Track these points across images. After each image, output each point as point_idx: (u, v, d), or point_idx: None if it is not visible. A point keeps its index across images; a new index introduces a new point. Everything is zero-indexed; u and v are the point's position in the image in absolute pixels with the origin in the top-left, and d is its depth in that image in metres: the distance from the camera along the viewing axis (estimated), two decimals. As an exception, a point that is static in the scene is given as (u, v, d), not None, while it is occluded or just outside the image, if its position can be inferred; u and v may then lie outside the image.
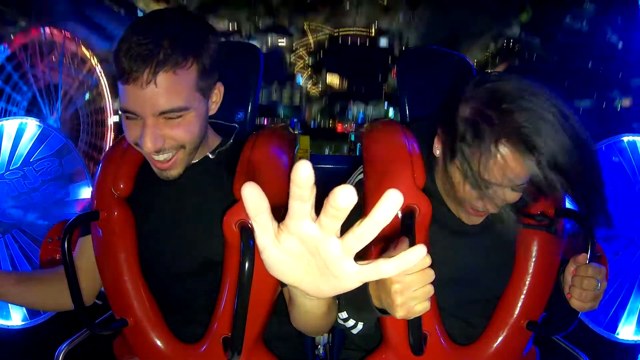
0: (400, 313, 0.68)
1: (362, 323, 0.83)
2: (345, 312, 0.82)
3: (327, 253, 0.41)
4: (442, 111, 0.85)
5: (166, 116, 0.81)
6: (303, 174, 0.35)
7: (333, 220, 0.38)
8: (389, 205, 0.36)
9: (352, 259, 0.41)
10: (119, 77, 0.80)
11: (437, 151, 0.89)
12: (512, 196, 0.82)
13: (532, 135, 0.73)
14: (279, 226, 0.42)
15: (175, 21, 0.82)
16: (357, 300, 0.78)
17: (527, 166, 0.74)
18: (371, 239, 0.39)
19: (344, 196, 0.35)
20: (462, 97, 0.81)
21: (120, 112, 0.85)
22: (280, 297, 0.92)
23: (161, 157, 0.86)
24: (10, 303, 0.92)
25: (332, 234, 0.40)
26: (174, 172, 0.90)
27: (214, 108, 0.92)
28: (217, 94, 0.91)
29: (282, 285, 0.88)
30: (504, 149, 0.75)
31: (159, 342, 0.94)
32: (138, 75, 0.77)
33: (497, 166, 0.76)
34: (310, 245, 0.41)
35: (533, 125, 0.73)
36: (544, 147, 0.73)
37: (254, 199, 0.39)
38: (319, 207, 0.39)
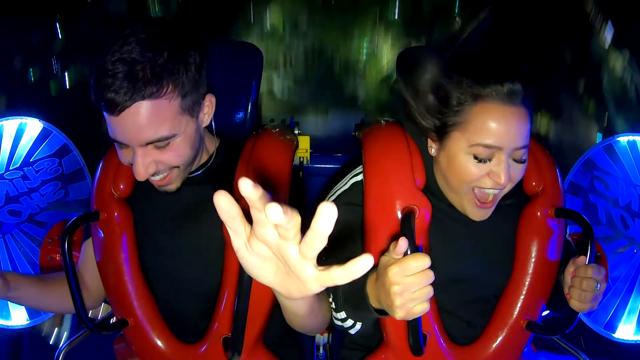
0: (399, 314, 0.68)
1: (360, 323, 0.83)
2: (343, 312, 0.82)
3: (288, 257, 0.44)
4: (412, 114, 0.87)
5: (154, 145, 0.80)
6: (244, 190, 0.39)
7: (285, 230, 0.41)
8: (325, 219, 0.39)
9: (312, 264, 0.44)
10: (98, 106, 0.79)
11: (432, 149, 0.89)
12: (517, 168, 0.83)
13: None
14: (250, 230, 0.44)
15: (147, 43, 0.75)
16: (356, 300, 0.79)
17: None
18: (321, 247, 0.42)
19: (273, 212, 0.38)
20: (418, 88, 0.85)
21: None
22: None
23: (157, 177, 0.86)
24: (26, 306, 0.90)
25: (290, 240, 0.42)
26: (172, 187, 0.90)
27: (206, 120, 0.89)
28: (209, 106, 0.88)
29: None
30: (487, 100, 0.79)
31: (159, 342, 0.94)
32: (115, 108, 0.75)
33: (489, 118, 0.79)
34: (275, 249, 0.44)
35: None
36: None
37: (224, 206, 0.42)
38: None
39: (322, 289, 0.47)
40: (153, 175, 0.84)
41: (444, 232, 0.92)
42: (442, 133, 0.85)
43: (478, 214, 0.88)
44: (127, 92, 0.74)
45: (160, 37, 0.77)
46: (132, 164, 0.83)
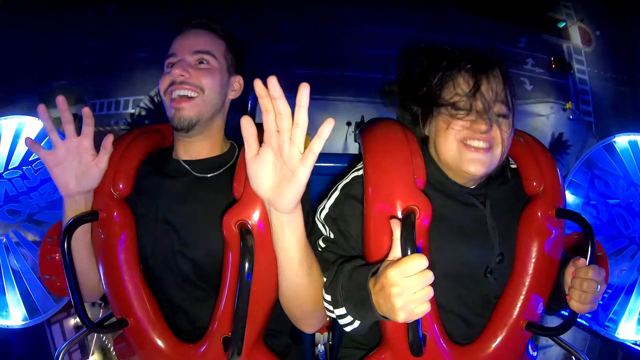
0: (401, 316, 0.68)
1: (359, 321, 0.83)
2: (344, 307, 0.82)
3: (283, 149, 0.69)
4: (406, 103, 1.01)
5: (199, 57, 1.01)
6: (271, 83, 0.64)
7: (281, 119, 0.67)
8: (304, 93, 0.64)
9: (299, 149, 0.69)
10: (178, 32, 1.05)
11: (426, 130, 0.97)
12: (498, 106, 0.91)
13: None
14: (260, 146, 0.70)
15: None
16: (356, 296, 0.78)
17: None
18: (305, 122, 0.66)
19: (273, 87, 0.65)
20: (407, 79, 1.01)
21: (164, 64, 1.03)
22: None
23: (182, 92, 0.97)
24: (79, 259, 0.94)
25: (285, 133, 0.68)
26: (187, 113, 0.97)
27: (233, 94, 1.08)
28: (238, 84, 1.09)
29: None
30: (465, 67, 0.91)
31: (159, 342, 0.93)
32: (189, 27, 1.04)
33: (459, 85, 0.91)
34: (275, 148, 0.70)
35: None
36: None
37: (248, 126, 0.69)
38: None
39: (309, 169, 0.69)
40: (182, 86, 0.97)
41: (445, 223, 0.92)
42: (429, 109, 0.95)
43: (476, 161, 0.89)
44: (196, 21, 1.06)
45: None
46: (170, 72, 0.98)
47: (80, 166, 0.92)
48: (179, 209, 0.97)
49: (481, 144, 0.88)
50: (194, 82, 0.98)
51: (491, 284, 0.95)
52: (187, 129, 0.98)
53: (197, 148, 1.03)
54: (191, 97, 0.98)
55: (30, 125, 1.58)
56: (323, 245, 0.95)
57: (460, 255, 0.92)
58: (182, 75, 0.97)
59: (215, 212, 0.89)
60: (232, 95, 1.08)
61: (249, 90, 1.17)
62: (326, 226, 0.96)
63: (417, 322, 0.72)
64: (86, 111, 0.91)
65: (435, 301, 0.90)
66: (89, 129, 0.92)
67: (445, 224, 0.92)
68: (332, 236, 0.95)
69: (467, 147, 0.89)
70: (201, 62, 1.01)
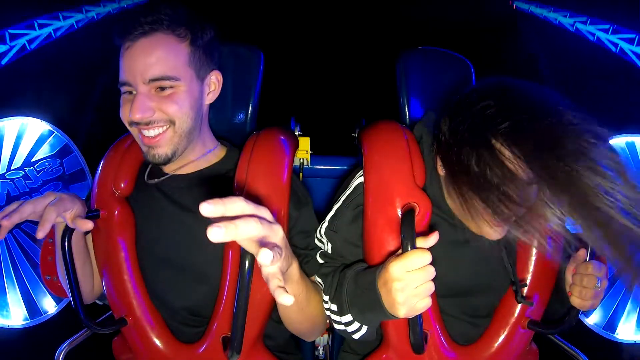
0: (402, 311, 0.68)
1: (365, 327, 0.82)
2: (349, 314, 0.82)
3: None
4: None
5: (157, 85, 0.84)
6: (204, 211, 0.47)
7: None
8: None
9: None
10: (120, 41, 0.85)
11: (442, 171, 0.81)
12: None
13: None
14: None
15: (175, 3, 0.87)
16: (362, 300, 0.78)
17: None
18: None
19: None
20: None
21: (120, 90, 0.88)
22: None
23: (150, 132, 0.86)
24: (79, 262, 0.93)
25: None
26: (161, 151, 0.88)
27: (210, 97, 0.93)
28: (215, 83, 0.93)
29: None
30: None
31: (158, 342, 0.93)
32: (134, 33, 0.83)
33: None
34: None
35: None
36: None
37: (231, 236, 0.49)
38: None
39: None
40: (148, 127, 0.85)
41: (447, 245, 0.86)
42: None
43: (494, 234, 0.79)
44: (147, 18, 0.83)
45: (185, 6, 0.88)
46: (129, 114, 0.84)
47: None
48: (179, 210, 0.98)
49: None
50: (161, 117, 0.85)
51: (492, 293, 0.93)
52: (164, 163, 0.91)
53: (183, 164, 0.98)
54: (162, 133, 0.87)
55: (33, 127, 1.59)
56: (321, 261, 0.95)
57: (463, 270, 0.90)
58: (145, 117, 0.84)
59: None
60: (210, 97, 0.94)
61: (250, 91, 1.17)
62: (323, 240, 0.94)
63: (418, 318, 0.72)
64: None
65: (438, 307, 0.90)
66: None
67: (462, 249, 0.87)
68: (329, 251, 0.94)
69: (490, 219, 0.72)
70: (162, 89, 0.85)
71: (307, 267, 0.94)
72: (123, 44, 0.85)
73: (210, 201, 0.46)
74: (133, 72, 0.83)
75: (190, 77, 0.87)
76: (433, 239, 0.68)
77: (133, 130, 0.89)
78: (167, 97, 0.85)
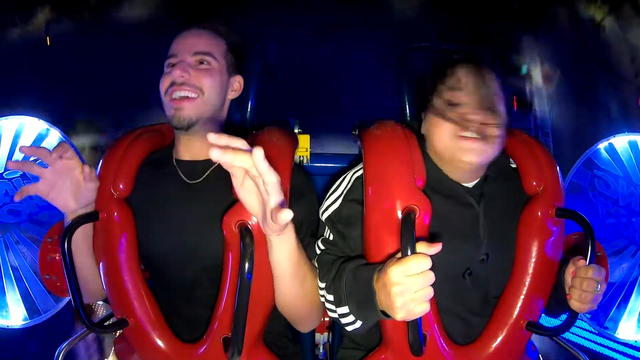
0: (400, 315, 0.68)
1: (360, 322, 0.83)
2: (347, 306, 0.82)
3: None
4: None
5: (199, 58, 1.01)
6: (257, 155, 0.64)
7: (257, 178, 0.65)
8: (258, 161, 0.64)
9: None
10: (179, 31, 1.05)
11: (422, 127, 0.98)
12: (489, 100, 0.92)
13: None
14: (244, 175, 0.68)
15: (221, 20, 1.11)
16: (360, 295, 0.78)
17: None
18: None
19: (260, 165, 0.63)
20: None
21: (164, 66, 1.03)
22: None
23: (182, 93, 0.98)
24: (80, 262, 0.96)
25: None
26: (186, 113, 0.98)
27: (233, 94, 1.09)
28: (238, 84, 1.10)
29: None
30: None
31: (159, 342, 0.94)
32: (188, 30, 1.05)
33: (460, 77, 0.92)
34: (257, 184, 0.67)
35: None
36: None
37: (226, 158, 0.63)
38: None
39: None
40: (181, 88, 0.98)
41: (443, 223, 0.92)
42: (424, 105, 0.98)
43: (471, 150, 0.89)
44: (198, 24, 1.07)
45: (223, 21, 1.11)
46: (170, 73, 0.99)
47: (73, 184, 0.92)
48: (179, 210, 0.98)
49: (474, 134, 0.89)
50: (194, 83, 0.99)
51: (494, 276, 0.94)
52: (186, 127, 0.98)
53: (197, 148, 1.03)
54: (191, 98, 0.98)
55: (31, 125, 1.58)
56: (322, 247, 0.95)
57: (454, 255, 0.91)
58: (182, 77, 0.98)
59: (215, 212, 0.89)
60: (232, 95, 1.09)
61: (249, 89, 1.17)
62: (326, 227, 0.97)
63: (417, 321, 0.72)
64: (62, 143, 0.94)
65: (437, 308, 0.90)
66: (70, 153, 0.92)
67: (443, 224, 0.91)
68: (330, 238, 0.96)
69: (461, 138, 0.89)
70: (201, 63, 1.01)
71: (307, 252, 0.95)
72: (178, 35, 1.04)
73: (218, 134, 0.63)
74: (183, 45, 1.02)
75: (222, 66, 1.04)
76: (435, 249, 0.69)
77: (166, 98, 1.00)
78: (203, 70, 1.01)
